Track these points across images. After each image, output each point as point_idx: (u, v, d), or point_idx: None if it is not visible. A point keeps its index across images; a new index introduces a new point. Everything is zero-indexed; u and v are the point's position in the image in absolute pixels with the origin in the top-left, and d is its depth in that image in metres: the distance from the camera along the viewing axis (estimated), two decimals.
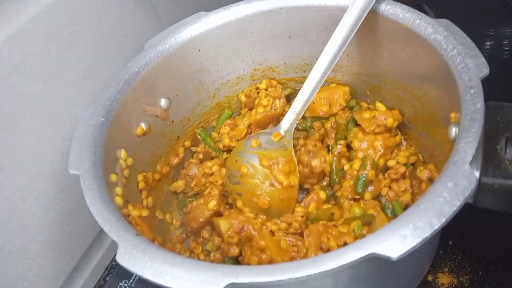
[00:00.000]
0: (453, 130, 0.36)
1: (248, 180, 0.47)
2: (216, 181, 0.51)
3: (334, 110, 0.53)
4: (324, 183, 0.50)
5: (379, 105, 0.50)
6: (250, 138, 0.50)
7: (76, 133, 0.40)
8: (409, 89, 0.47)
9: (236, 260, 0.44)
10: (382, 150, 0.47)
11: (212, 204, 0.47)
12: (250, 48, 0.54)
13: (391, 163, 0.47)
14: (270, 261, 0.40)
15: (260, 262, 0.40)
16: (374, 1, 0.44)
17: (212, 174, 0.52)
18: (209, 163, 0.53)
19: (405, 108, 0.49)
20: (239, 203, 0.47)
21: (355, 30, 0.45)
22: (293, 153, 0.48)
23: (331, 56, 0.46)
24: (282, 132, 0.49)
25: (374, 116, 0.48)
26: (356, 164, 0.47)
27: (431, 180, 0.43)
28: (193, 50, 0.51)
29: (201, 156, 0.54)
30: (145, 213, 0.42)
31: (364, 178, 0.46)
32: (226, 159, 0.53)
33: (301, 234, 0.43)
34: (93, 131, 0.40)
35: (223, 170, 0.51)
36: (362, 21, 0.44)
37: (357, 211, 0.45)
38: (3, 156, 0.41)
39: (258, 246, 0.41)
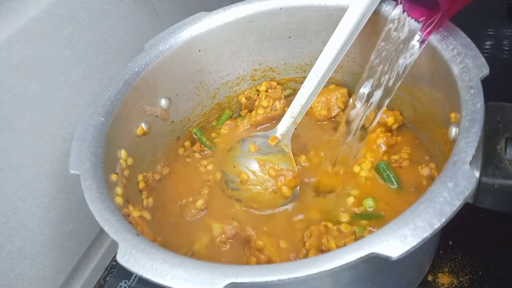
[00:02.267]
0: (453, 130, 0.36)
1: (249, 187, 0.46)
2: (208, 181, 0.51)
3: (333, 114, 0.53)
4: None
5: None
6: (247, 142, 0.50)
7: (76, 133, 0.40)
8: (409, 90, 0.47)
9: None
10: (384, 147, 0.47)
11: (200, 203, 0.47)
12: (250, 48, 0.54)
13: (394, 157, 0.47)
14: (269, 261, 0.40)
15: (258, 263, 0.40)
16: (376, 5, 0.43)
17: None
18: (204, 162, 0.53)
19: (405, 108, 0.49)
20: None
21: (357, 33, 0.44)
22: (292, 157, 0.47)
23: (330, 59, 0.45)
24: (279, 136, 0.48)
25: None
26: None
27: (432, 178, 0.43)
28: (193, 50, 0.51)
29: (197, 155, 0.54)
30: (146, 214, 0.42)
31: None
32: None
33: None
34: (93, 131, 0.40)
35: (218, 174, 0.50)
36: (363, 24, 0.43)
37: (370, 203, 0.44)
38: (3, 156, 0.41)
39: (256, 246, 0.41)
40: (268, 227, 0.44)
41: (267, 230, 0.44)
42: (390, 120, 0.48)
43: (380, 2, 0.44)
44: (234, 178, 0.48)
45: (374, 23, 0.46)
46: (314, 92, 0.46)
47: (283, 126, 0.49)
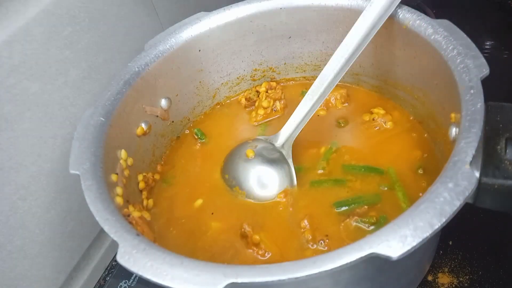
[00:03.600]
0: (453, 131, 0.36)
1: (245, 194, 0.46)
2: (207, 181, 0.50)
3: (332, 114, 0.53)
4: None
5: (376, 110, 0.50)
6: (247, 146, 0.49)
7: (76, 133, 0.40)
8: (409, 90, 0.47)
9: None
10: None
11: (199, 202, 0.47)
12: (250, 48, 0.54)
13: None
14: (265, 254, 0.40)
15: (255, 257, 0.40)
16: (391, 11, 0.42)
17: None
18: (204, 161, 0.52)
19: (405, 108, 0.49)
20: None
21: (366, 43, 0.43)
22: (292, 167, 0.46)
23: (337, 67, 0.43)
24: (280, 143, 0.48)
25: (373, 119, 0.49)
26: None
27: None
28: (193, 50, 0.51)
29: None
30: (146, 215, 0.42)
31: None
32: None
33: None
34: (93, 131, 0.40)
35: (216, 175, 0.50)
36: (374, 34, 0.42)
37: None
38: (3, 156, 0.41)
39: (253, 241, 0.41)
40: (265, 222, 0.44)
41: (263, 224, 0.44)
42: (389, 124, 0.49)
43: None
44: (232, 181, 0.47)
45: None
46: (318, 101, 0.45)
47: (285, 134, 0.47)
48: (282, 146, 0.47)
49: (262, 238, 0.41)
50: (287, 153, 0.47)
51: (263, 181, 0.46)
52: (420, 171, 0.44)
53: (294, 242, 0.41)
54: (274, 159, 0.47)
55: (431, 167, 0.44)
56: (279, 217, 0.44)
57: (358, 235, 0.40)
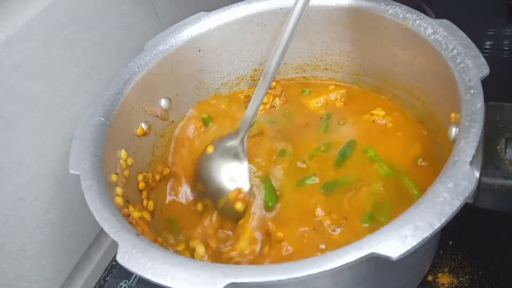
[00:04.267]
0: (453, 131, 0.36)
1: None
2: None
3: (332, 114, 0.53)
4: None
5: (376, 111, 0.50)
6: (212, 142, 0.49)
7: (76, 133, 0.40)
8: (409, 90, 0.47)
9: None
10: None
11: (199, 206, 0.47)
12: (250, 48, 0.54)
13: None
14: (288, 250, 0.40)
15: (280, 255, 0.40)
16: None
17: None
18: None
19: (405, 108, 0.49)
20: None
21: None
22: (247, 168, 0.46)
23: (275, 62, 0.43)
24: (237, 140, 0.47)
25: (373, 121, 0.49)
26: None
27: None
28: (193, 50, 0.51)
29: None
30: (146, 215, 0.42)
31: None
32: None
33: None
34: (93, 131, 0.40)
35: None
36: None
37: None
38: (3, 156, 0.41)
39: (276, 238, 0.41)
40: (284, 218, 0.44)
41: (283, 220, 0.43)
42: (389, 126, 0.49)
43: (380, 2, 0.44)
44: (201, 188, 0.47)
45: (374, 23, 0.46)
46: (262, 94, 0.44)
47: (242, 129, 0.46)
48: (238, 144, 0.46)
49: (285, 234, 0.41)
50: (243, 152, 0.46)
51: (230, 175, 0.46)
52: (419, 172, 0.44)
53: (314, 232, 0.41)
54: (231, 158, 0.46)
55: (431, 167, 0.44)
56: (291, 213, 0.44)
57: (363, 204, 0.41)
